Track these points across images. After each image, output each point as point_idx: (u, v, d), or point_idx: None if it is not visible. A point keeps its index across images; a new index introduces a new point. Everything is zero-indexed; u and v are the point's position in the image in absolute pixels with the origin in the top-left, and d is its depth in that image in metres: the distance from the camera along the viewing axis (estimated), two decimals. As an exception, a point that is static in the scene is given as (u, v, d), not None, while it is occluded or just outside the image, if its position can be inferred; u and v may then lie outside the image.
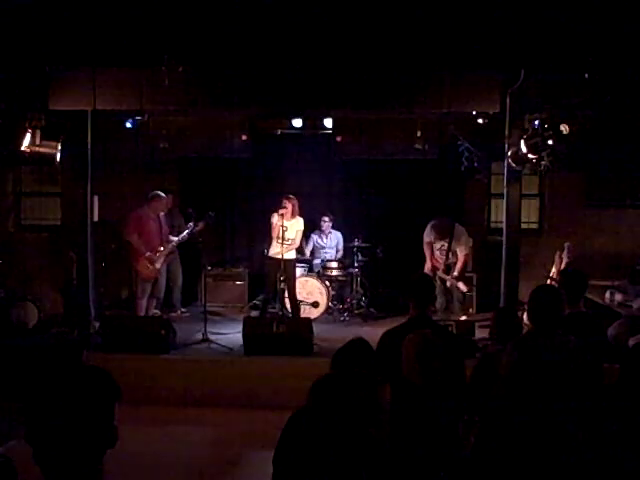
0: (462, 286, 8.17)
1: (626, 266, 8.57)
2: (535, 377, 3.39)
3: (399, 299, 8.30)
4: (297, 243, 8.21)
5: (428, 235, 8.38)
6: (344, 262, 9.25)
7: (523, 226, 8.49)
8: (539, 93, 6.91)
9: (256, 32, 6.54)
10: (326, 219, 9.40)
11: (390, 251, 9.31)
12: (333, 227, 9.53)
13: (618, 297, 7.32)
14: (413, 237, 9.45)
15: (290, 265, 8.23)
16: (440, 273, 8.29)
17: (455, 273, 8.22)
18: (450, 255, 8.28)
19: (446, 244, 8.23)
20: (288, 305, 8.43)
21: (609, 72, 6.34)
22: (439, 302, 8.16)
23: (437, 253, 8.35)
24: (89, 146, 7.44)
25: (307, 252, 9.39)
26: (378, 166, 9.37)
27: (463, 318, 8.21)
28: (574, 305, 4.36)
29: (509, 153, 7.05)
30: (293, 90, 7.21)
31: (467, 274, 8.85)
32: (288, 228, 8.01)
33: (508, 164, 7.19)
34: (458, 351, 3.96)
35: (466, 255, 8.28)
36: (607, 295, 7.46)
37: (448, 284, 8.28)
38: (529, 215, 9.93)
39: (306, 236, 9.02)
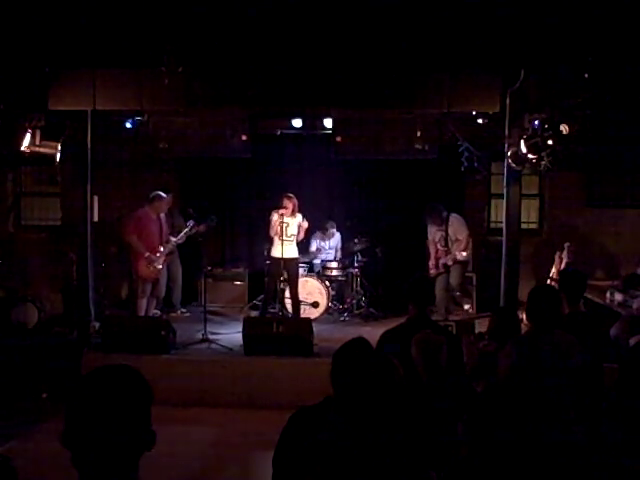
0: (459, 254, 8.15)
1: (626, 266, 8.58)
2: (534, 377, 3.39)
3: (399, 299, 8.30)
4: (301, 235, 8.22)
5: (428, 228, 8.47)
6: (344, 262, 9.25)
7: (523, 226, 8.49)
8: (539, 93, 6.90)
9: (256, 32, 6.54)
10: (332, 226, 9.40)
11: (390, 251, 9.31)
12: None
13: (618, 297, 7.32)
14: (413, 237, 9.46)
15: (293, 264, 8.23)
16: (442, 260, 8.29)
17: (456, 251, 8.22)
18: (450, 243, 8.29)
19: (442, 232, 8.26)
20: (288, 305, 8.43)
21: (609, 72, 6.33)
22: (439, 300, 8.13)
23: (439, 245, 8.36)
24: (89, 146, 7.44)
25: (311, 253, 9.39)
26: (378, 166, 9.36)
27: (467, 307, 8.21)
28: (574, 305, 4.36)
29: (509, 153, 7.04)
30: (293, 90, 7.20)
31: (467, 274, 8.86)
32: (289, 224, 8.02)
33: (508, 164, 7.18)
34: (458, 351, 3.97)
35: (468, 236, 8.29)
36: (607, 295, 7.46)
37: (450, 262, 8.25)
38: (529, 215, 9.93)
39: (307, 238, 9.03)
